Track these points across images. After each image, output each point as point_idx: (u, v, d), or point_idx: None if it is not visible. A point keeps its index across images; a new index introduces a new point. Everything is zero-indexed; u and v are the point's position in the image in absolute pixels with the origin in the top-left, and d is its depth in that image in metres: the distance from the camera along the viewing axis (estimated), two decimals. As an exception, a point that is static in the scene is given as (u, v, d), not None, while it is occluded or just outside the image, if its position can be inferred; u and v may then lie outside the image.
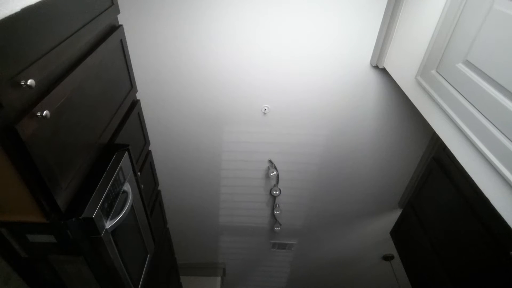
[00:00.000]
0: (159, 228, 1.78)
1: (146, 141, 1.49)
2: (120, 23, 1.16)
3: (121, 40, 1.14)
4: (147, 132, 1.48)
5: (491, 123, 0.85)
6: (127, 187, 1.08)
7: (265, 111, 1.88)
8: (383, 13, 1.49)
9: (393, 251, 2.89)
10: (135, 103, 1.35)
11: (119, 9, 1.13)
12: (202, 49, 1.63)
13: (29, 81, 0.64)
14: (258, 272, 3.27)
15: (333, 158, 2.14)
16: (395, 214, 2.36)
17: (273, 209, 2.48)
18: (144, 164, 1.47)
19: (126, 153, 1.08)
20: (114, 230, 0.97)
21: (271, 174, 2.16)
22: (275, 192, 2.31)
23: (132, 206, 1.13)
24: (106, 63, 1.03)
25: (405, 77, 1.35)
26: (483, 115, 0.88)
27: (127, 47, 1.19)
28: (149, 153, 1.56)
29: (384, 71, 1.68)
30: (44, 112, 0.68)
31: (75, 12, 0.85)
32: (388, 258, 2.98)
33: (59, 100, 0.76)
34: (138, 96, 1.39)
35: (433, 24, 1.14)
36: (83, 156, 0.91)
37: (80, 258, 0.93)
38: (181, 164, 2.17)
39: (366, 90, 1.79)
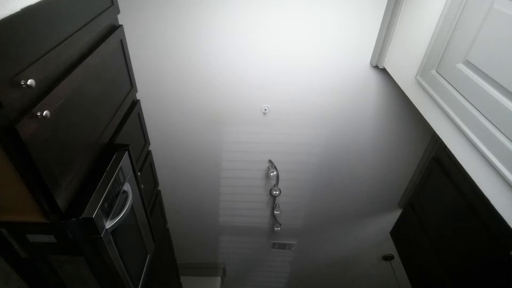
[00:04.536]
0: (159, 228, 1.78)
1: (146, 141, 1.49)
2: (120, 23, 1.16)
3: (121, 40, 1.14)
4: (147, 132, 1.49)
5: (491, 123, 0.85)
6: (127, 187, 1.08)
7: (265, 111, 1.88)
8: (383, 13, 1.49)
9: (393, 251, 2.89)
10: (135, 103, 1.35)
11: (119, 9, 1.13)
12: (202, 49, 1.63)
13: (29, 81, 0.64)
14: (258, 272, 3.27)
15: (333, 158, 2.14)
16: (395, 214, 2.36)
17: (273, 209, 2.48)
18: (144, 164, 1.47)
19: (126, 153, 1.08)
20: (114, 230, 0.97)
21: (271, 174, 2.16)
22: (275, 192, 2.31)
23: (132, 206, 1.13)
24: (106, 63, 1.03)
25: (405, 77, 1.35)
26: (483, 115, 0.88)
27: (127, 47, 1.19)
28: (149, 153, 1.56)
29: (384, 71, 1.68)
30: (44, 112, 0.68)
31: (75, 12, 0.85)
32: (388, 258, 2.98)
33: (59, 100, 0.76)
34: (138, 96, 1.40)
35: (433, 24, 1.14)
36: (83, 156, 0.91)
37: (80, 258, 0.93)
38: (181, 164, 2.17)
39: (366, 90, 1.79)
